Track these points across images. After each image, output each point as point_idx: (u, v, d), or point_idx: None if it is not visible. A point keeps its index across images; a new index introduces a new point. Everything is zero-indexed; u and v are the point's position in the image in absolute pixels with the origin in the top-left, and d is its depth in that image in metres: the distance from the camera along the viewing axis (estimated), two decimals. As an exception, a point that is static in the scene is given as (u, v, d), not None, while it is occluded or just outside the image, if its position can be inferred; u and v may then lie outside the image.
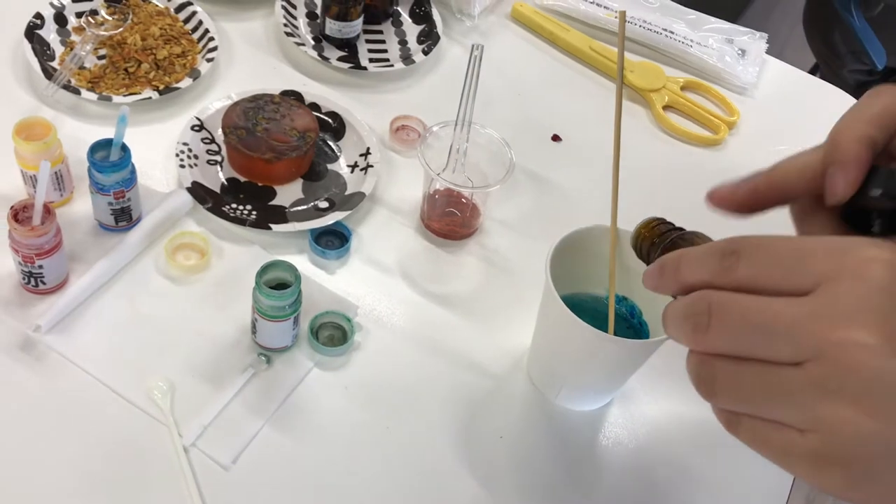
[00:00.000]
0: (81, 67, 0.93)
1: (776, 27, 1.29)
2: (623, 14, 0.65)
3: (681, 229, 0.50)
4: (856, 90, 1.83)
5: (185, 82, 0.94)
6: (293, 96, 0.94)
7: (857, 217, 0.45)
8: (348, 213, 0.86)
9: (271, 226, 0.83)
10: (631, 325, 0.75)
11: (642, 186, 0.90)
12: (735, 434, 0.40)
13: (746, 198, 0.48)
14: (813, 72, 1.81)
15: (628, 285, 0.74)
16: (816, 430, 0.35)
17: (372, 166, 0.90)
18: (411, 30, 1.10)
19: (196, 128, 0.90)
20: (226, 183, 0.88)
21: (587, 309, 0.72)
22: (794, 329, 0.35)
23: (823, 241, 0.37)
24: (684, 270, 0.41)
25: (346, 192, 0.89)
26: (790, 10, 2.51)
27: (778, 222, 0.48)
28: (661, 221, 0.51)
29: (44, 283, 0.74)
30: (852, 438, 0.34)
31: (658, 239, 0.51)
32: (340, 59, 1.03)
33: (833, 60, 1.84)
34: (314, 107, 0.94)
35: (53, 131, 0.77)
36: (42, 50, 0.94)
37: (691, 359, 0.40)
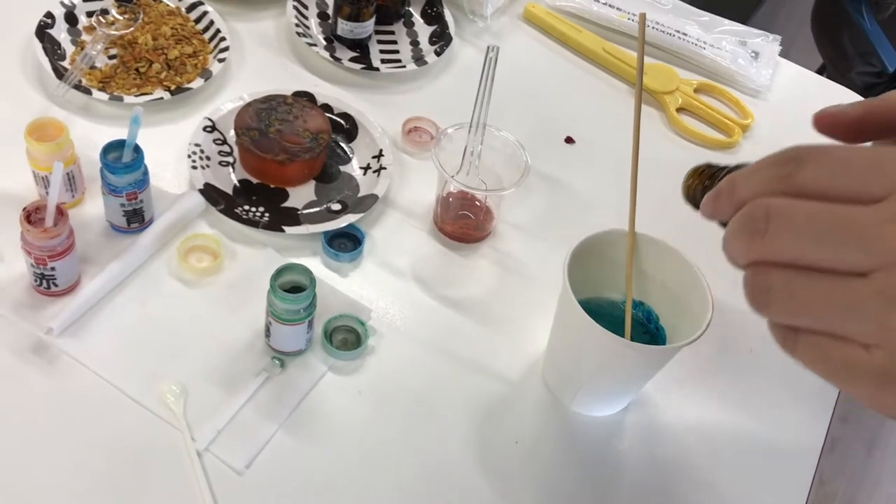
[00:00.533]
0: (92, 67, 0.93)
1: (783, 28, 1.28)
2: (643, 16, 0.64)
3: (735, 167, 0.46)
4: (863, 92, 1.82)
5: (197, 83, 0.93)
6: (305, 97, 0.94)
7: None
8: (361, 215, 0.85)
9: (284, 228, 0.82)
10: (647, 331, 0.74)
11: (656, 189, 0.89)
12: (791, 352, 0.36)
13: (857, 119, 0.44)
14: (819, 73, 1.80)
15: (645, 290, 0.74)
16: (884, 345, 0.33)
17: (385, 168, 0.90)
18: (423, 30, 1.10)
19: (208, 129, 0.89)
20: (238, 184, 0.87)
21: (603, 314, 0.72)
22: (865, 234, 0.33)
23: (894, 150, 0.34)
24: (740, 187, 0.37)
25: (359, 195, 0.88)
26: (796, 12, 2.50)
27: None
28: (709, 165, 0.46)
29: (56, 286, 0.74)
30: None
31: (709, 181, 0.45)
32: (352, 59, 1.02)
33: (841, 62, 1.83)
34: (326, 108, 0.94)
35: (66, 132, 0.77)
36: (53, 49, 0.93)
37: (747, 273, 0.36)
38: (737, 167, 0.43)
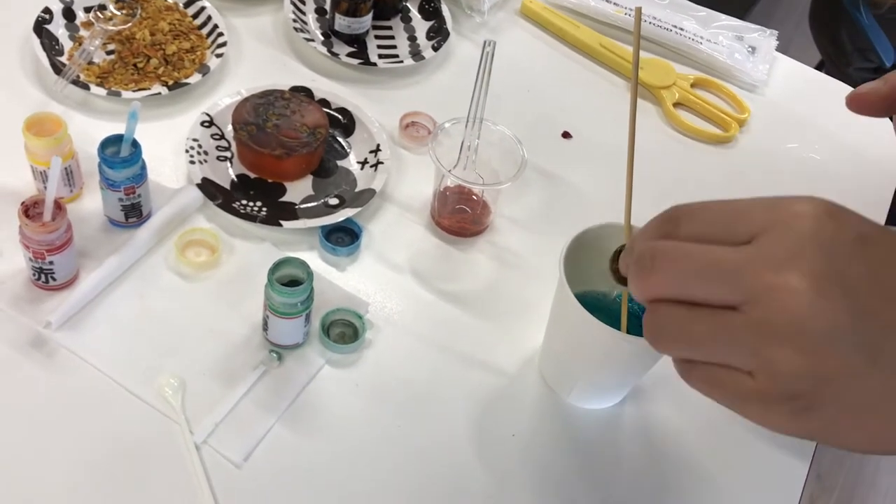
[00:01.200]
0: (90, 63, 0.93)
1: (780, 24, 1.28)
2: (639, 10, 0.64)
3: None
4: (862, 88, 1.82)
5: (195, 78, 0.93)
6: (303, 92, 0.94)
7: None
8: (358, 209, 0.85)
9: (282, 222, 0.83)
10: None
11: (653, 184, 0.89)
12: (690, 381, 0.41)
13: (887, 94, 0.46)
14: (818, 69, 1.80)
15: None
16: (761, 371, 0.37)
17: (382, 163, 0.90)
18: (421, 26, 1.10)
19: (206, 124, 0.90)
20: (236, 179, 0.87)
21: (599, 307, 0.72)
22: (733, 272, 0.38)
23: (759, 201, 0.40)
24: (635, 247, 0.43)
25: (357, 189, 0.88)
26: (794, 8, 2.50)
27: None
28: (618, 250, 0.51)
29: (54, 280, 0.74)
30: (790, 375, 0.36)
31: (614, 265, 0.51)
32: (350, 54, 1.02)
33: (839, 58, 1.83)
34: (324, 103, 0.94)
35: (64, 127, 0.77)
36: (50, 45, 0.93)
37: (645, 315, 0.41)
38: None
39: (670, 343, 0.41)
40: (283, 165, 0.86)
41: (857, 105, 0.48)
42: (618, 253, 0.50)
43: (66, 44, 0.95)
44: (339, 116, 0.94)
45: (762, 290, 0.36)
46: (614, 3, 1.17)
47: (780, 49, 1.20)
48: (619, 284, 0.50)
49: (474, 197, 0.88)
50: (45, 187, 0.70)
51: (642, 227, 0.44)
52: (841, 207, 0.39)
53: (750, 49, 1.17)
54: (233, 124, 0.87)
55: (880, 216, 1.01)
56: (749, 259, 0.37)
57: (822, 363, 0.36)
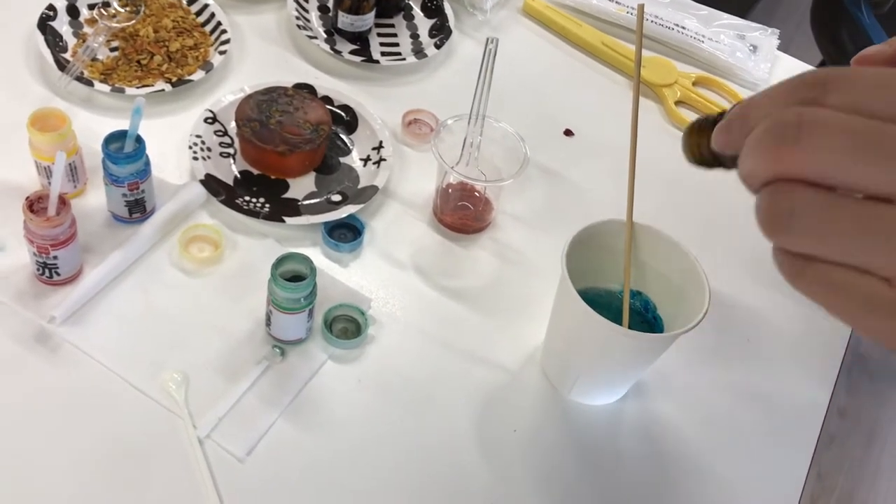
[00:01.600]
0: (94, 59, 0.93)
1: (781, 24, 1.29)
2: (641, 7, 0.65)
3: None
4: (863, 88, 1.83)
5: (198, 74, 0.94)
6: (306, 89, 0.94)
7: None
8: (361, 206, 0.85)
9: (284, 218, 0.83)
10: (645, 320, 0.75)
11: (654, 181, 0.89)
12: (799, 282, 0.33)
13: (894, 55, 0.43)
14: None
15: (643, 280, 0.74)
16: None
17: (385, 160, 0.90)
18: (423, 24, 1.10)
19: (209, 120, 0.90)
20: (239, 176, 0.88)
21: (601, 303, 0.72)
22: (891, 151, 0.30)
23: None
24: (754, 115, 0.33)
25: (359, 186, 0.89)
26: (795, 8, 2.51)
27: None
28: (706, 117, 0.39)
29: (58, 274, 0.74)
30: None
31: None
32: (352, 52, 1.03)
33: (840, 58, 1.83)
34: (327, 100, 0.94)
35: (68, 122, 0.77)
36: (55, 42, 0.94)
37: (763, 192, 0.32)
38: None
39: (800, 233, 0.32)
40: (286, 162, 0.87)
41: (862, 66, 0.47)
42: (702, 123, 0.39)
43: (70, 41, 0.95)
44: (342, 113, 0.94)
45: None
46: (616, 2, 1.17)
47: (780, 49, 1.20)
48: (701, 165, 0.40)
49: (476, 194, 0.88)
50: (50, 182, 0.70)
51: (767, 89, 0.34)
52: None
53: (752, 48, 1.17)
54: (236, 121, 0.88)
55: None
56: None
57: None
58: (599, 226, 0.72)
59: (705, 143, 0.39)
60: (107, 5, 0.97)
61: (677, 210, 0.94)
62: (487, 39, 0.81)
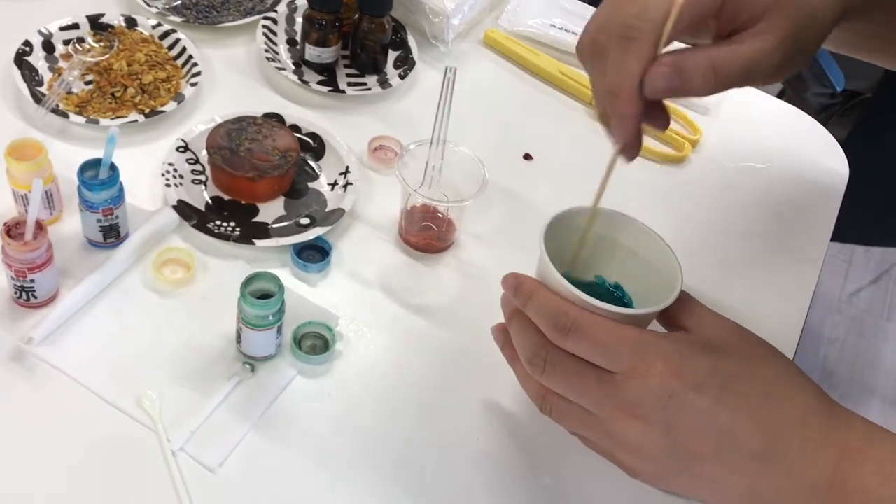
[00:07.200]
0: (69, 92, 0.97)
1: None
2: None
3: None
4: (819, 113, 1.90)
5: (170, 106, 0.97)
6: (275, 118, 0.98)
7: None
8: (329, 228, 0.89)
9: (255, 241, 0.86)
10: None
11: (608, 201, 0.94)
12: (570, 429, 0.70)
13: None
14: (780, 96, 1.87)
15: (623, 273, 0.76)
16: (616, 451, 0.66)
17: (351, 184, 0.94)
18: (388, 56, 1.14)
19: (181, 149, 0.93)
20: (210, 201, 0.91)
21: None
22: (596, 400, 0.63)
23: (629, 338, 0.61)
24: (531, 312, 0.66)
25: (327, 209, 0.92)
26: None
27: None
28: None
29: (35, 297, 0.77)
30: (632, 472, 0.67)
31: None
32: (320, 82, 1.07)
33: (797, 83, 1.90)
34: (295, 128, 0.98)
35: (44, 152, 0.81)
36: (31, 76, 0.97)
37: (539, 388, 0.68)
38: None
39: (557, 418, 0.68)
40: (256, 187, 0.90)
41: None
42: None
43: (46, 74, 0.99)
44: (310, 141, 0.98)
45: (613, 422, 0.62)
46: (573, 33, 1.23)
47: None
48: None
49: (439, 215, 0.92)
50: (27, 210, 0.73)
51: (544, 309, 0.64)
52: (688, 361, 0.60)
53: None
54: (207, 149, 0.91)
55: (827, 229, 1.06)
56: (609, 395, 0.61)
57: (644, 460, 0.64)
58: (574, 211, 0.74)
59: None
60: (81, 41, 1.01)
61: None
62: (447, 69, 0.86)
